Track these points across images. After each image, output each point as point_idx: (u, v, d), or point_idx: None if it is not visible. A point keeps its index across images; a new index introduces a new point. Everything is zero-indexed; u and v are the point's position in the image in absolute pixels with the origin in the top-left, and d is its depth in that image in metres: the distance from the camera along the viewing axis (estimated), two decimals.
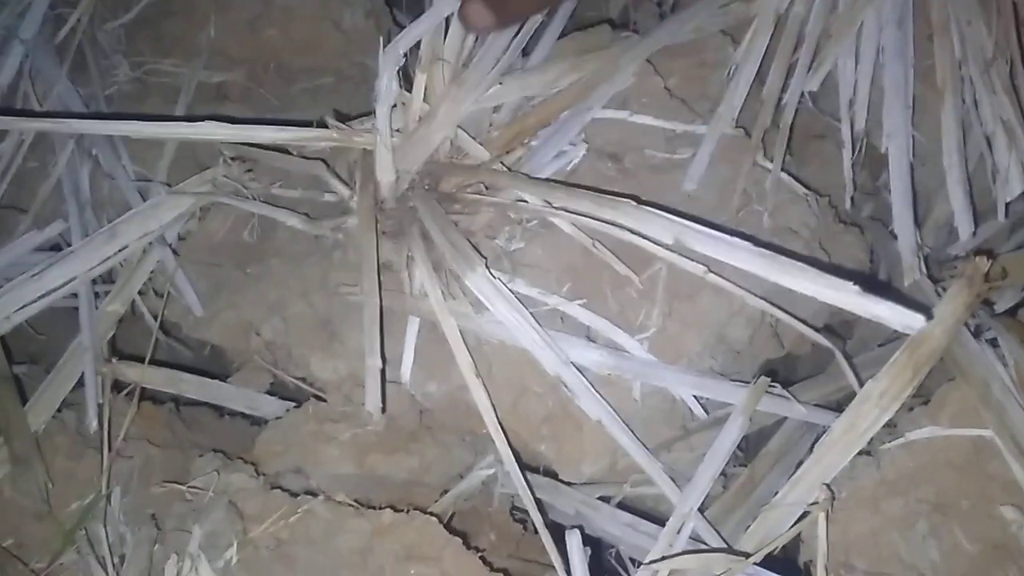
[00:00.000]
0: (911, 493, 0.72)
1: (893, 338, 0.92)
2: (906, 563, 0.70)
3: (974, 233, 0.80)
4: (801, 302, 0.87)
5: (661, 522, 0.81)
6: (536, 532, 0.91)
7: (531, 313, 0.81)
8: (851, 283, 0.66)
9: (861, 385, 0.73)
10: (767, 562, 0.72)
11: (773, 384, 0.79)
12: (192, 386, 0.96)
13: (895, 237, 0.89)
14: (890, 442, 0.76)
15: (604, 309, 0.82)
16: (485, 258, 0.82)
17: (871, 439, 0.75)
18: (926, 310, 0.65)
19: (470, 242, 0.83)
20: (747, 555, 0.71)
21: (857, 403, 0.75)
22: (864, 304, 0.65)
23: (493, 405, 0.80)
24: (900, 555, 0.70)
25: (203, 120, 0.83)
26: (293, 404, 0.95)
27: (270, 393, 0.99)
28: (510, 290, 0.81)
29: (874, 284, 0.78)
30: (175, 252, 1.00)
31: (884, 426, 0.74)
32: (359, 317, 0.87)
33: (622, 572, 0.83)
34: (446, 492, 0.89)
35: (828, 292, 0.67)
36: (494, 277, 0.81)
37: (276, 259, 0.95)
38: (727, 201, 0.86)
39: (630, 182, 0.89)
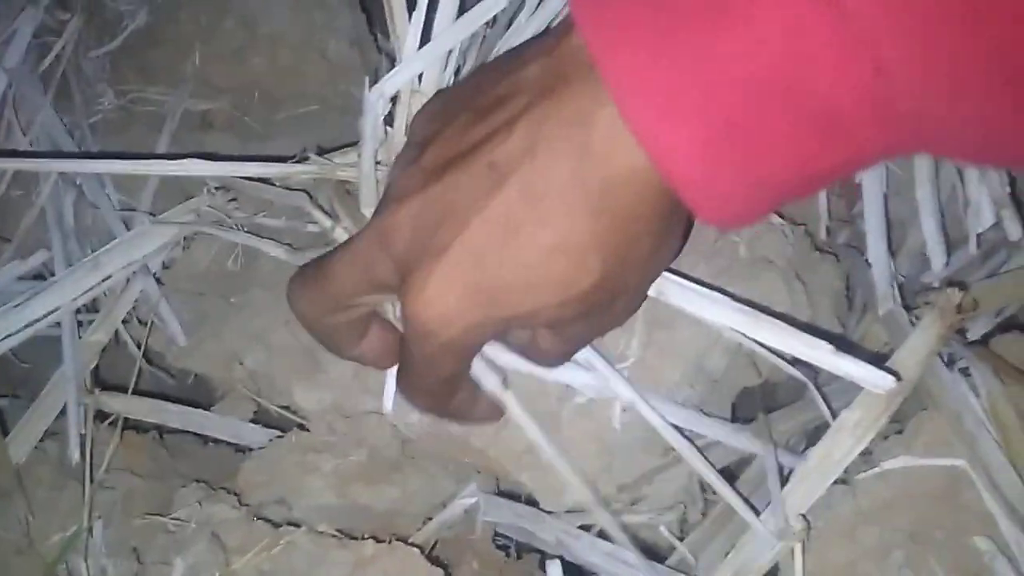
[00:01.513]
0: (887, 523, 0.73)
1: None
2: None
3: (947, 263, 0.82)
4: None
5: (641, 550, 0.82)
6: (519, 558, 0.92)
7: None
8: (825, 343, 0.70)
9: (834, 416, 0.74)
10: None
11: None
12: (175, 416, 0.97)
13: (870, 265, 0.90)
14: (866, 471, 0.77)
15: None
16: None
17: (847, 468, 0.76)
18: (895, 373, 0.70)
19: None
20: None
21: (832, 432, 0.77)
22: (837, 363, 0.70)
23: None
24: None
25: (185, 158, 0.84)
26: (277, 433, 0.95)
27: (254, 422, 0.99)
28: None
29: (846, 343, 0.81)
30: (159, 282, 1.01)
31: (860, 455, 0.76)
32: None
33: None
34: (428, 521, 0.89)
35: (803, 350, 0.72)
36: None
37: (259, 289, 0.95)
38: (704, 232, 0.87)
39: None
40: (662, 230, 0.52)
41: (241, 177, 0.91)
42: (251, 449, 0.96)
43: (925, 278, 0.89)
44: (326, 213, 0.87)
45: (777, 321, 0.73)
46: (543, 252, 0.49)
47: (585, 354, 0.82)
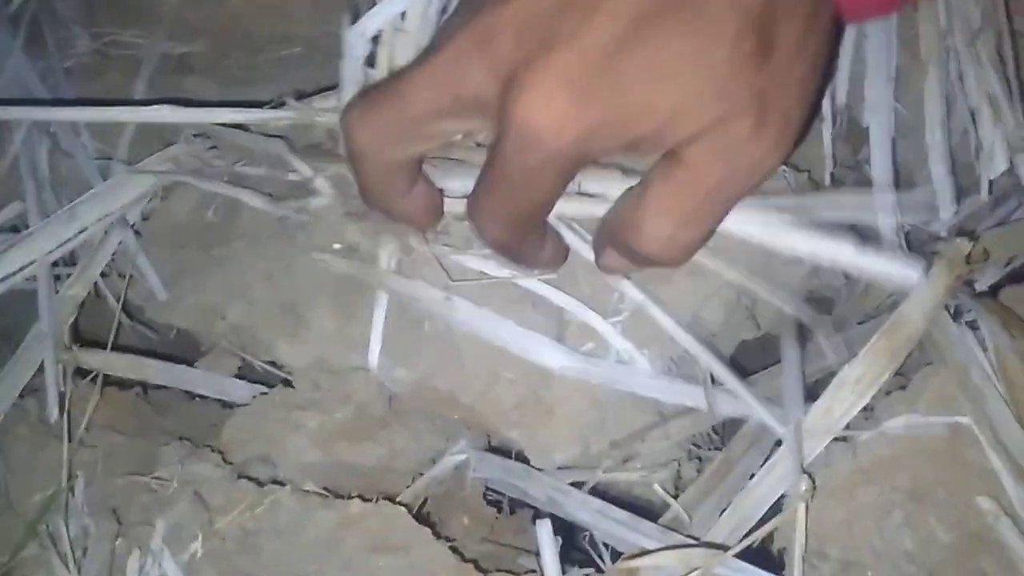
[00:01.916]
0: (887, 481, 0.71)
1: (873, 314, 0.90)
2: (879, 552, 0.69)
3: (956, 211, 0.78)
4: (779, 279, 0.86)
5: (631, 508, 0.80)
6: (512, 514, 0.90)
7: (503, 296, 0.79)
8: (847, 241, 0.70)
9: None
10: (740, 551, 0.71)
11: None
12: (157, 372, 0.94)
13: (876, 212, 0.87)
14: (866, 429, 0.74)
15: (577, 292, 0.80)
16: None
17: (848, 425, 0.73)
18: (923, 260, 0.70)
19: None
20: (724, 548, 0.70)
21: (833, 388, 0.74)
22: (861, 261, 0.70)
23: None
24: (874, 544, 0.69)
25: (158, 103, 0.80)
26: (262, 388, 0.92)
27: (239, 377, 0.96)
28: (482, 272, 0.79)
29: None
30: (137, 233, 0.97)
31: (861, 411, 0.73)
32: (324, 301, 0.85)
33: (595, 556, 0.82)
34: (417, 478, 0.87)
35: (826, 250, 0.71)
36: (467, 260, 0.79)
37: (240, 240, 0.92)
38: None
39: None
40: (812, 8, 0.46)
41: (217, 124, 0.86)
42: (236, 405, 0.93)
43: (933, 226, 0.85)
44: (305, 161, 0.82)
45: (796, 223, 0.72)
46: (668, 33, 0.43)
47: (577, 307, 0.79)
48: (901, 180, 0.86)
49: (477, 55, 0.47)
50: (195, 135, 0.95)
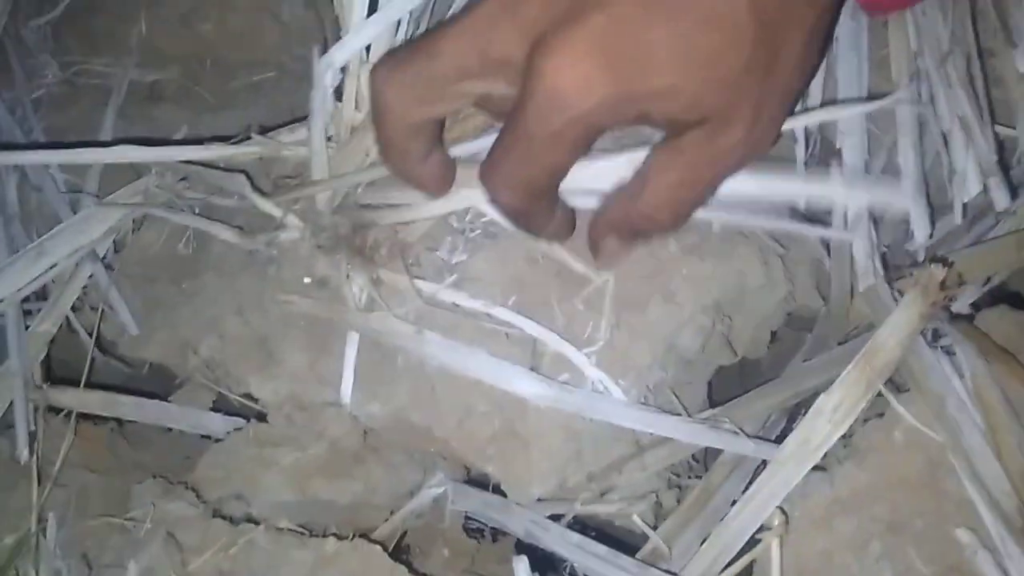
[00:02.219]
0: (864, 512, 0.70)
1: (853, 335, 0.90)
2: None
3: (931, 234, 0.77)
4: (758, 301, 0.85)
5: (611, 540, 0.79)
6: (495, 541, 0.89)
7: (476, 327, 0.78)
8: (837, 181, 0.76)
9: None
10: None
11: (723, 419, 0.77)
12: (131, 408, 0.93)
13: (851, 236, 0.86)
14: (844, 458, 0.73)
15: (551, 322, 0.79)
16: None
17: (825, 454, 0.73)
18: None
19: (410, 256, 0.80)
20: None
21: (810, 418, 0.73)
22: (852, 195, 0.77)
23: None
24: (853, 575, 0.68)
25: (123, 143, 0.79)
26: (238, 421, 0.91)
27: (215, 410, 0.95)
28: (454, 304, 0.79)
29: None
30: (108, 267, 0.96)
31: (839, 439, 0.73)
32: (295, 337, 0.84)
33: None
34: (395, 512, 0.86)
35: (815, 192, 0.76)
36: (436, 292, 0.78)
37: (211, 274, 0.91)
38: None
39: None
40: (815, 23, 0.50)
41: (181, 161, 0.85)
42: (213, 439, 0.92)
43: (909, 246, 0.84)
44: (265, 195, 0.81)
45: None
46: (696, 22, 0.45)
47: (551, 337, 0.78)
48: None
49: (506, 17, 0.48)
50: (165, 169, 0.94)
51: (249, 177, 0.83)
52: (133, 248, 0.97)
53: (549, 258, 0.79)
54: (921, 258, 0.81)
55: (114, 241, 0.98)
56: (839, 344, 0.91)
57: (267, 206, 0.78)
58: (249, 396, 0.90)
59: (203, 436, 0.97)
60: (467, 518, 0.91)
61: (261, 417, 0.87)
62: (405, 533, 0.90)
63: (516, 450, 0.79)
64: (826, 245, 0.92)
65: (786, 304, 0.88)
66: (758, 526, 0.73)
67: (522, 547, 0.82)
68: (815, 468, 0.73)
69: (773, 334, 0.91)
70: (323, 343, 0.83)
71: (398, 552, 0.91)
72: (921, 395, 0.72)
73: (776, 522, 0.67)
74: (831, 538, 0.71)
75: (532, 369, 0.77)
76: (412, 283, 0.79)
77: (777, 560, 0.67)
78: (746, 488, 0.77)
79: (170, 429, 0.98)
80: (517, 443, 0.79)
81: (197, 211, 0.93)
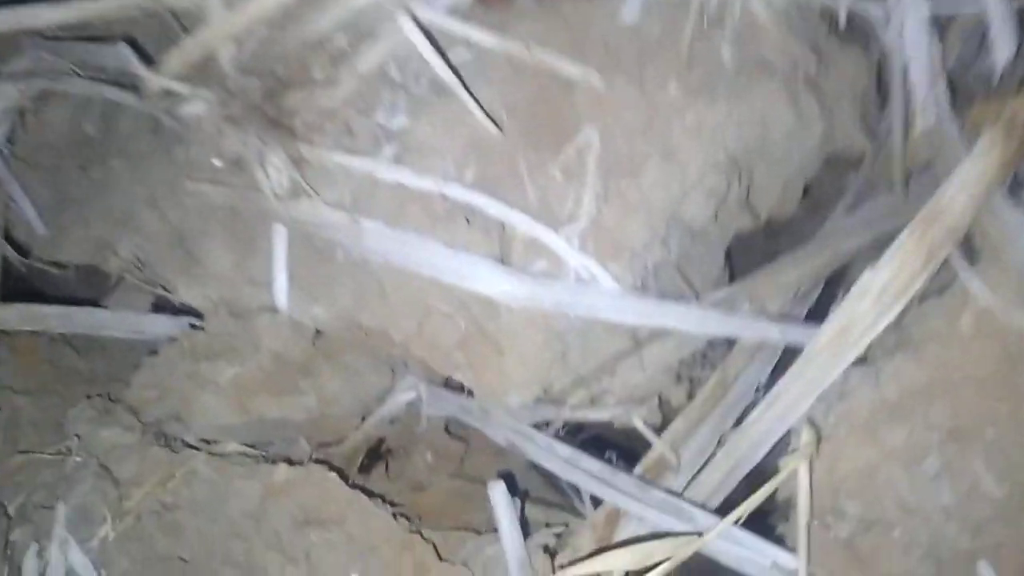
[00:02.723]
0: (919, 418, 0.56)
1: (908, 184, 0.72)
2: (910, 508, 0.55)
3: (1017, 50, 0.58)
4: (785, 148, 0.68)
5: (609, 446, 0.67)
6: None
7: (427, 211, 0.63)
8: None
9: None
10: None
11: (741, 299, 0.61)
12: (57, 320, 0.80)
13: (908, 56, 0.67)
14: (893, 349, 0.58)
15: (521, 199, 0.63)
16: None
17: (870, 345, 0.58)
18: None
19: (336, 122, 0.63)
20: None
21: (853, 300, 0.58)
22: None
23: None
24: (903, 498, 0.55)
25: None
26: (181, 322, 0.79)
27: (157, 311, 0.83)
28: (398, 183, 0.63)
29: None
30: (5, 156, 0.81)
31: (888, 326, 0.57)
32: (215, 232, 0.69)
33: (575, 501, 0.70)
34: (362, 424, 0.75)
35: None
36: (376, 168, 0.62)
37: (119, 159, 0.76)
38: (676, 31, 0.63)
39: (550, 17, 0.66)
40: None
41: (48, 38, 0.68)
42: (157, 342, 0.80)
43: (985, 66, 0.65)
44: (149, 62, 0.64)
45: None
46: None
47: (521, 219, 0.62)
48: (942, 6, 0.65)
49: None
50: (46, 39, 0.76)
51: (134, 44, 0.65)
52: (33, 132, 0.81)
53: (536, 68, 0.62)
54: (1003, 82, 0.62)
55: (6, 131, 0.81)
56: (889, 194, 0.74)
57: (160, 81, 0.60)
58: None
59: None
60: (447, 427, 0.80)
61: (192, 328, 0.74)
62: (382, 441, 0.79)
63: (488, 355, 0.65)
64: (875, 68, 0.73)
65: (822, 148, 0.70)
66: (782, 432, 0.60)
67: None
68: (857, 362, 0.58)
69: (806, 188, 0.73)
70: (247, 239, 0.68)
71: (375, 459, 0.81)
72: (998, 269, 0.55)
73: (805, 439, 0.52)
74: (876, 450, 0.57)
75: (500, 260, 0.62)
76: (342, 160, 0.63)
77: (806, 486, 0.53)
78: (770, 380, 0.64)
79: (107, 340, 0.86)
80: (489, 347, 0.65)
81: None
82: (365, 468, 0.78)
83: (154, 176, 0.73)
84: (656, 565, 0.51)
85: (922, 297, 0.58)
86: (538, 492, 0.74)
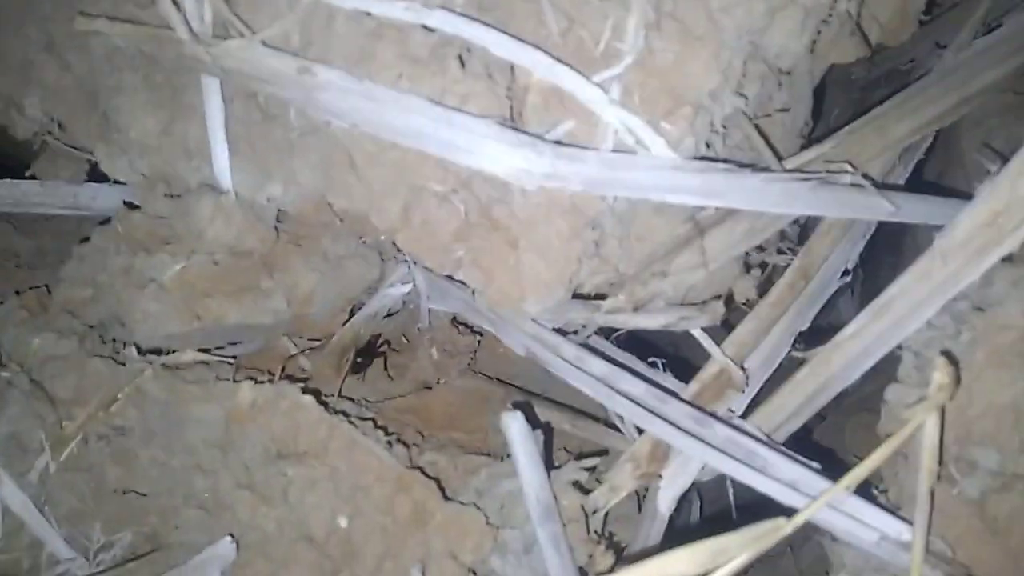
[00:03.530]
0: None
1: None
2: None
3: None
4: None
5: (657, 352, 0.53)
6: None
7: (402, 50, 0.45)
8: None
9: None
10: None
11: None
12: None
13: None
14: None
15: (537, 29, 0.45)
16: None
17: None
18: None
19: None
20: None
21: (1008, 176, 0.41)
22: None
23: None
24: None
25: None
26: (120, 191, 0.63)
27: (92, 180, 0.67)
28: (358, 10, 0.44)
29: None
30: None
31: None
32: (129, 83, 0.52)
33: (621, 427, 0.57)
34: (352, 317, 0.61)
35: None
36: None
37: None
38: None
39: None
40: None
41: None
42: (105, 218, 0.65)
43: None
44: None
45: None
46: None
47: (538, 59, 0.44)
48: None
49: None
50: None
51: None
52: None
53: None
54: None
55: None
56: None
57: None
58: None
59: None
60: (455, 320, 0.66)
61: (127, 208, 0.58)
62: (377, 339, 0.65)
63: (497, 249, 0.49)
64: None
65: None
66: (888, 349, 0.45)
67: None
68: (1005, 260, 0.42)
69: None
70: (172, 95, 0.51)
71: (373, 356, 0.67)
72: None
73: (938, 380, 0.37)
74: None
75: (509, 121, 0.44)
76: None
77: (934, 443, 0.39)
78: (861, 260, 0.49)
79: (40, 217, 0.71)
80: (499, 238, 0.49)
81: None
82: (359, 369, 0.65)
83: (47, 10, 0.54)
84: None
85: None
86: (569, 398, 0.61)
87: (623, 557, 0.52)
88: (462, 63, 0.45)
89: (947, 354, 0.39)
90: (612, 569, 0.49)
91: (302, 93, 0.46)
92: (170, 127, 0.52)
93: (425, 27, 0.44)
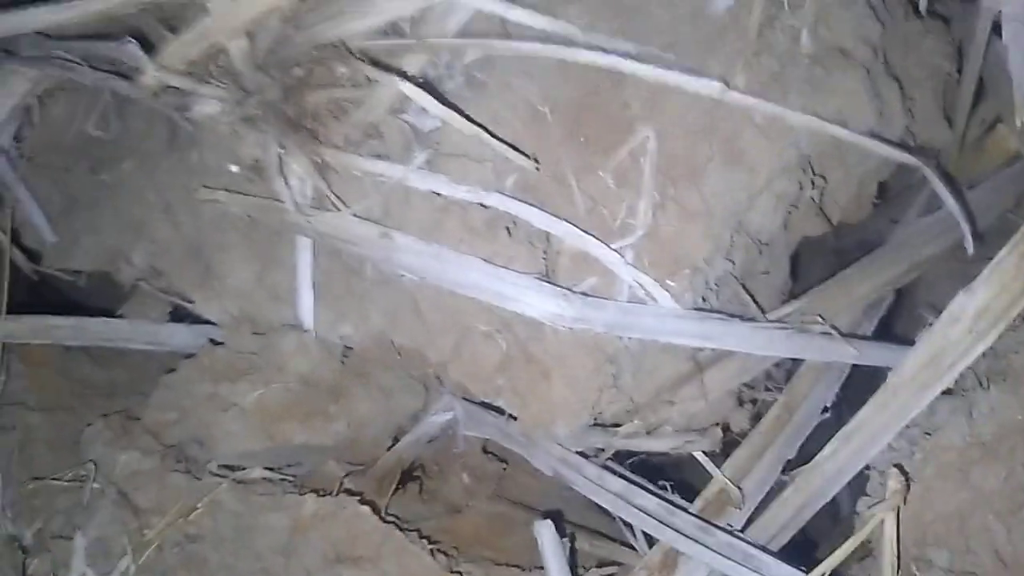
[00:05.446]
0: (1018, 458, 0.50)
1: (993, 178, 0.66)
2: (1006, 559, 0.49)
3: None
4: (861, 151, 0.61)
5: (663, 474, 0.62)
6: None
7: (464, 223, 0.57)
8: None
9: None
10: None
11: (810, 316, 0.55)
12: (70, 331, 0.76)
13: (998, 34, 0.60)
14: (988, 380, 0.52)
15: (569, 208, 0.57)
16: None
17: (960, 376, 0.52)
18: None
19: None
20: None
21: (943, 325, 0.51)
22: None
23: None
24: (999, 549, 0.50)
25: None
26: (202, 332, 0.74)
27: (175, 319, 0.78)
28: (432, 192, 0.57)
29: None
30: (12, 157, 0.76)
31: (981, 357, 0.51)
32: (234, 243, 0.64)
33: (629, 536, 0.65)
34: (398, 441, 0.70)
35: None
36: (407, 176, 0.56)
37: (130, 161, 0.71)
38: (743, 14, 0.56)
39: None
40: None
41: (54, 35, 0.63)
42: (183, 354, 0.75)
43: None
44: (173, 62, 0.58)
45: None
46: None
47: (569, 230, 0.56)
48: None
49: None
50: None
51: (141, 40, 0.59)
52: (41, 131, 0.76)
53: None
54: None
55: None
56: (974, 192, 0.67)
57: (160, 74, 0.55)
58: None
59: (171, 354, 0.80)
60: (485, 449, 0.75)
61: (212, 344, 0.69)
62: (414, 463, 0.74)
63: (533, 380, 0.59)
64: (956, 53, 0.66)
65: (903, 143, 0.64)
66: (858, 469, 0.54)
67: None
68: (945, 393, 0.52)
69: (882, 186, 0.67)
70: (269, 251, 0.63)
71: (408, 480, 0.76)
72: None
73: (892, 487, 0.47)
74: (968, 494, 0.51)
75: (545, 277, 0.56)
76: (370, 166, 0.57)
77: (892, 537, 0.48)
78: (836, 402, 0.58)
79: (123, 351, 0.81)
80: (534, 370, 0.59)
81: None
82: (398, 491, 0.74)
83: (168, 181, 0.68)
84: None
85: (1022, 322, 0.52)
86: (586, 520, 0.69)
87: None
88: (509, 232, 0.57)
89: (899, 467, 0.48)
90: None
91: (382, 253, 0.57)
92: (263, 276, 0.63)
93: (482, 205, 0.56)
